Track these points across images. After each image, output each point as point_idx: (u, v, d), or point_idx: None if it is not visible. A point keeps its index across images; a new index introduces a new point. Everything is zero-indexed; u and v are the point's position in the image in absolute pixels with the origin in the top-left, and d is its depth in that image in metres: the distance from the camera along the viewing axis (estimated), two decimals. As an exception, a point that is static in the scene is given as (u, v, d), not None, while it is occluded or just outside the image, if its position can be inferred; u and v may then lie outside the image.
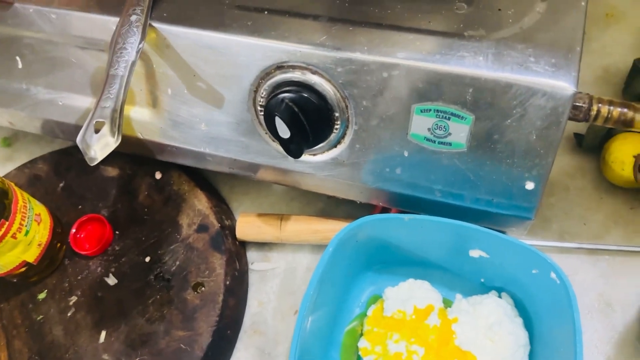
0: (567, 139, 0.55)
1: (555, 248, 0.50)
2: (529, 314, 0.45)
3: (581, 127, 0.54)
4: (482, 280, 0.48)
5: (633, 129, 0.38)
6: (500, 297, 0.47)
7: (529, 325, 0.45)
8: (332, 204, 0.56)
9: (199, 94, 0.45)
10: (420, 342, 0.44)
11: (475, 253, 0.45)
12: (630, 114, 0.37)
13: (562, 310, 0.40)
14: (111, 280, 0.51)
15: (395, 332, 0.45)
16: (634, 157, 0.48)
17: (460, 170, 0.41)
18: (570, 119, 0.39)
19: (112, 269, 0.52)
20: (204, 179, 0.58)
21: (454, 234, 0.44)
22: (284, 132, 0.40)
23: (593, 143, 0.52)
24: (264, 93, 0.42)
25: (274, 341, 0.50)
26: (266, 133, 0.45)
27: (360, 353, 0.46)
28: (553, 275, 0.40)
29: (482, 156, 0.40)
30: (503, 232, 0.44)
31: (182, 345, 0.47)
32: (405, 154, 0.42)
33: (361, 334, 0.47)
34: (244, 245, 0.55)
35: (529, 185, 0.40)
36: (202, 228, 0.52)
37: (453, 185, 0.43)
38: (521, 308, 0.46)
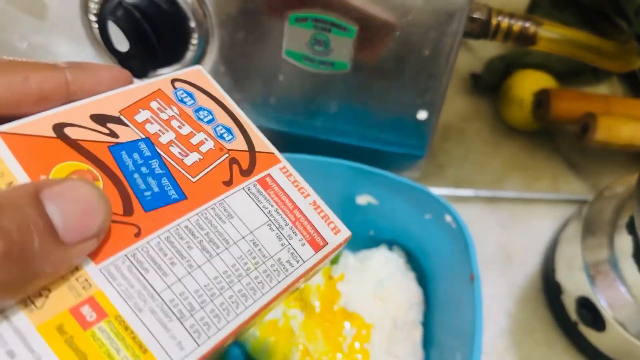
0: (463, 80, 0.51)
1: (451, 197, 0.45)
2: (424, 269, 0.40)
3: (477, 68, 0.50)
4: (372, 233, 0.42)
5: (535, 47, 0.33)
6: (391, 250, 0.41)
7: (423, 282, 0.40)
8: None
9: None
10: (301, 305, 0.38)
11: (363, 199, 0.39)
12: (532, 28, 0.32)
13: (459, 260, 0.34)
14: None
15: (272, 296, 0.38)
16: (534, 94, 0.44)
17: (344, 99, 0.35)
18: (467, 35, 0.33)
19: None
20: None
21: (339, 177, 0.38)
22: (122, 44, 0.31)
23: (490, 82, 0.48)
24: (97, -4, 0.33)
25: None
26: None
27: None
28: (448, 218, 0.35)
29: (368, 79, 0.33)
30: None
31: None
32: (280, 78, 0.35)
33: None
34: None
35: (422, 115, 0.34)
36: None
37: (336, 118, 0.36)
38: (415, 263, 0.41)
